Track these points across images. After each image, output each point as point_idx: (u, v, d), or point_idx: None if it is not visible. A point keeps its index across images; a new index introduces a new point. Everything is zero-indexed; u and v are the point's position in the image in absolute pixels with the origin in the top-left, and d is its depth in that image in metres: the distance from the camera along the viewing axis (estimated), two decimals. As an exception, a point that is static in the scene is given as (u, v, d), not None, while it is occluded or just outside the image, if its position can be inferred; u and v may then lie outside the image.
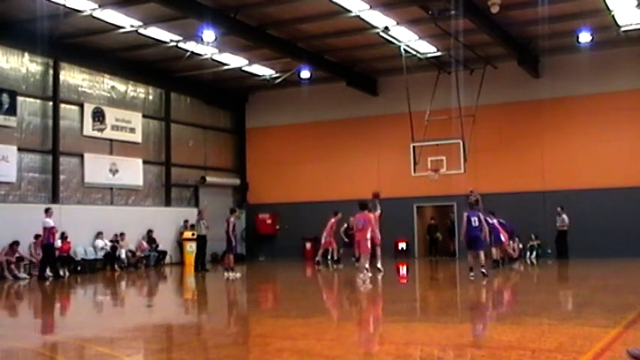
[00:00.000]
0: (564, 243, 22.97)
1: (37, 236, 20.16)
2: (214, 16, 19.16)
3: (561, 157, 24.38)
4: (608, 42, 22.83)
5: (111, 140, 24.17)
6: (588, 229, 23.18)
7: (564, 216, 22.84)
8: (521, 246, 24.61)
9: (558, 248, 23.23)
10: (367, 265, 15.73)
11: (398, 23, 20.86)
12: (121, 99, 24.86)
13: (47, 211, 19.27)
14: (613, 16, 20.58)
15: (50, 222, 19.05)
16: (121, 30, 20.70)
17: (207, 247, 23.72)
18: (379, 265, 17.69)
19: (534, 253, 24.26)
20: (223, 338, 8.87)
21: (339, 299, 13.98)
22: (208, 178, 27.83)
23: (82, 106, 23.23)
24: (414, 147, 22.29)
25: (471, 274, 15.65)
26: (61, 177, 22.35)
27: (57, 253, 20.24)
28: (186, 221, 26.44)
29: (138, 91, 25.67)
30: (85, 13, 19.22)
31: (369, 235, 15.99)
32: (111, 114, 24.10)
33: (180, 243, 26.16)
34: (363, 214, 16.19)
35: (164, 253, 25.15)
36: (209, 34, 19.87)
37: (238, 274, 18.86)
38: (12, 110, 20.81)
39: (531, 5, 19.15)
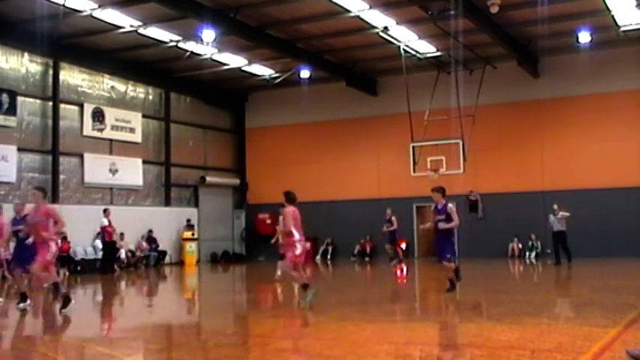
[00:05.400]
0: (565, 244, 21.21)
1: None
2: (214, 16, 19.16)
3: (561, 157, 24.39)
4: (608, 42, 22.84)
5: (111, 140, 24.18)
6: (588, 229, 23.13)
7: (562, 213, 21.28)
8: (520, 246, 24.67)
9: (558, 251, 20.89)
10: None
11: (397, 23, 20.87)
12: (120, 99, 24.85)
13: (105, 211, 21.18)
14: (613, 16, 20.59)
15: (105, 221, 20.81)
16: (121, 30, 20.70)
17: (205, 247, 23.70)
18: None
19: (534, 253, 24.26)
20: (223, 338, 8.87)
21: (338, 299, 13.97)
22: (208, 178, 27.83)
23: (81, 106, 23.24)
24: (413, 147, 22.30)
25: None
26: (61, 177, 22.36)
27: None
28: (188, 220, 26.49)
29: (138, 91, 25.67)
30: (84, 13, 19.22)
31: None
32: (111, 114, 24.10)
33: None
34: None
35: (164, 253, 25.16)
36: (209, 34, 19.88)
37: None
38: (12, 110, 20.82)
39: (531, 5, 19.16)
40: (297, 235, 11.31)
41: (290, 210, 11.49)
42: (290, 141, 28.77)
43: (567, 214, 20.78)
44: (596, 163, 23.74)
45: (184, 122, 27.54)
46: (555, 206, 21.04)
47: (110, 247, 21.35)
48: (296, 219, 11.47)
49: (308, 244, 27.56)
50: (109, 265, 21.30)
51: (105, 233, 21.03)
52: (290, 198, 11.80)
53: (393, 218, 20.64)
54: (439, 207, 12.46)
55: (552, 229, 20.99)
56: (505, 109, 25.09)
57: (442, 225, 12.36)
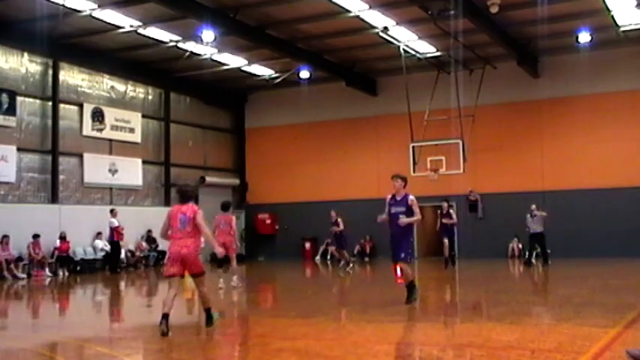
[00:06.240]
0: (544, 246, 20.88)
1: (35, 236, 20.22)
2: (214, 16, 19.15)
3: (561, 157, 24.38)
4: (608, 42, 22.84)
5: (110, 140, 24.16)
6: (587, 230, 23.18)
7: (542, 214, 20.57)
8: (521, 246, 24.64)
9: (532, 253, 21.11)
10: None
11: (397, 23, 20.86)
12: (120, 99, 24.85)
13: (112, 211, 21.66)
14: (612, 16, 20.58)
15: (115, 222, 21.21)
16: (121, 30, 20.69)
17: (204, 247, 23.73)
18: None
19: (534, 253, 24.20)
20: (223, 338, 8.86)
21: (338, 299, 13.97)
22: (208, 178, 27.81)
23: (81, 106, 23.23)
24: (413, 147, 22.29)
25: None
26: (61, 177, 22.35)
27: (58, 253, 21.15)
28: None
29: (137, 91, 25.67)
30: (84, 13, 19.21)
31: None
32: (110, 114, 24.09)
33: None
34: (226, 215, 14.84)
35: (163, 253, 25.11)
36: (208, 34, 19.87)
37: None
38: (11, 110, 20.82)
39: (531, 5, 19.15)
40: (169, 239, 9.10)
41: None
42: (290, 141, 28.76)
43: (544, 213, 20.49)
44: (596, 163, 23.73)
45: (184, 122, 27.53)
46: (533, 206, 20.54)
47: (117, 247, 21.61)
48: (172, 217, 8.99)
49: (308, 244, 27.81)
50: (116, 265, 21.55)
51: (115, 233, 21.38)
52: (179, 193, 9.48)
53: (339, 220, 19.88)
54: (398, 197, 10.92)
55: (529, 231, 20.61)
56: (505, 109, 25.09)
57: (403, 220, 10.73)
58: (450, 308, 11.87)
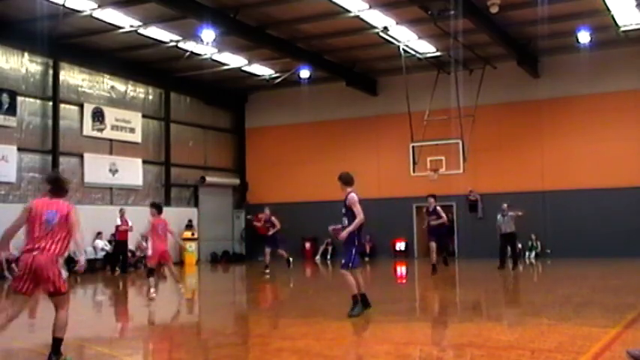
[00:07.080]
0: (515, 247, 20.08)
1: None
2: (214, 16, 19.17)
3: (561, 157, 24.39)
4: (608, 42, 22.84)
5: (110, 140, 24.19)
6: (588, 229, 23.18)
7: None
8: (520, 246, 24.64)
9: (505, 254, 19.74)
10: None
11: (397, 23, 20.87)
12: (120, 99, 24.86)
13: (120, 211, 21.77)
14: (612, 16, 20.59)
15: (117, 221, 21.49)
16: (121, 30, 20.71)
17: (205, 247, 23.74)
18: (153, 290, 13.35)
19: (534, 253, 24.25)
20: (223, 338, 8.87)
21: (338, 299, 13.97)
22: (208, 178, 27.84)
23: (81, 106, 23.25)
24: (413, 147, 22.31)
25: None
26: (61, 177, 22.36)
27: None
28: (189, 221, 26.52)
29: (137, 91, 25.68)
30: (84, 13, 19.22)
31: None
32: (110, 114, 24.11)
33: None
34: (161, 219, 13.13)
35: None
36: (209, 33, 19.87)
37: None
38: (12, 110, 20.83)
39: (531, 5, 19.16)
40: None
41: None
42: (290, 141, 28.77)
43: (520, 213, 19.68)
44: (596, 163, 23.74)
45: (184, 122, 27.55)
46: (504, 206, 19.66)
47: (120, 247, 21.69)
48: (35, 214, 7.38)
49: (308, 244, 27.81)
50: (124, 264, 21.64)
51: (117, 233, 21.52)
52: (53, 182, 7.69)
53: (273, 218, 19.32)
54: (343, 199, 10.07)
55: (500, 231, 19.58)
56: (505, 109, 25.09)
57: (343, 234, 9.78)
58: (450, 308, 11.87)
